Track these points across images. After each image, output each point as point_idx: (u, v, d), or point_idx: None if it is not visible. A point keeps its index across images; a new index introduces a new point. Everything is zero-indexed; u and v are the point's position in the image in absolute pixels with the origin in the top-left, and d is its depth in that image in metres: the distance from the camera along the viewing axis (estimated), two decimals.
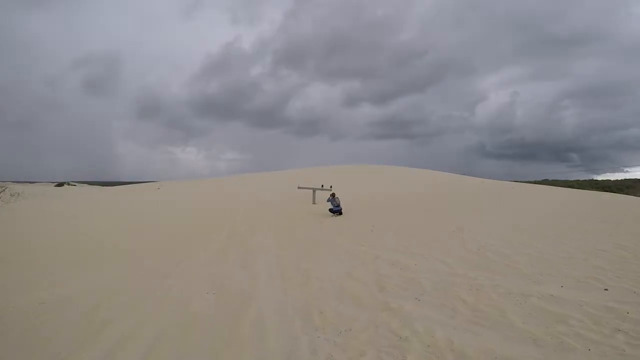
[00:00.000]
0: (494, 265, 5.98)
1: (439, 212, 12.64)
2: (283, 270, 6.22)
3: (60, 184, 57.03)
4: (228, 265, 6.95)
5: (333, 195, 12.90)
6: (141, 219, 14.43)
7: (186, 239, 10.02)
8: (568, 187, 28.96)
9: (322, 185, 17.10)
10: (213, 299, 5.24)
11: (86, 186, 56.68)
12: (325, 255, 7.09)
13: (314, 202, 15.89)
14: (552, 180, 48.46)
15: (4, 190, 25.02)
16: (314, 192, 16.38)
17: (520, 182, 30.26)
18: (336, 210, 12.48)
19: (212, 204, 17.83)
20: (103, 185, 53.46)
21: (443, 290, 4.83)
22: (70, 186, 55.02)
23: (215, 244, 8.93)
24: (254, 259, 7.18)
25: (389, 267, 6.02)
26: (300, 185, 17.44)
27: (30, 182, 62.87)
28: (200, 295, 5.48)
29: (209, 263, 7.34)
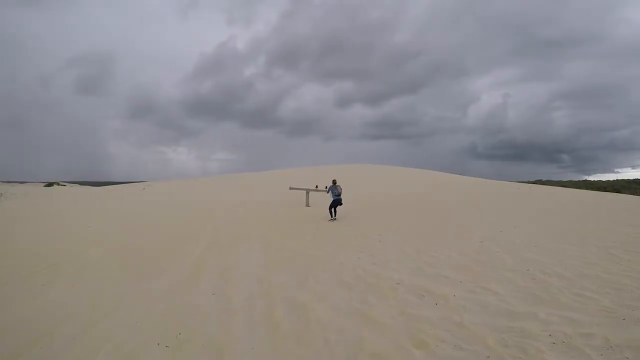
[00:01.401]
0: (561, 295, 4.36)
1: (450, 216, 11.09)
2: (270, 306, 4.39)
3: (49, 184, 53.95)
4: (197, 295, 5.14)
5: (334, 182, 11.35)
6: (107, 225, 12.39)
7: (153, 252, 8.14)
8: (563, 187, 28.04)
9: (317, 186, 15.59)
10: (164, 357, 3.49)
11: (77, 186, 53.46)
12: (326, 280, 5.28)
13: (307, 205, 14.25)
14: (546, 180, 47.87)
15: None
16: (307, 193, 14.75)
17: (517, 182, 29.26)
18: (336, 201, 11.02)
19: (196, 206, 15.91)
20: (94, 186, 50.42)
21: (516, 346, 3.14)
22: (59, 186, 51.87)
23: (187, 261, 7.08)
24: (232, 286, 5.35)
25: (418, 302, 4.27)
26: (292, 186, 15.73)
27: (21, 182, 60.06)
28: (148, 347, 3.72)
29: (173, 289, 5.50)
